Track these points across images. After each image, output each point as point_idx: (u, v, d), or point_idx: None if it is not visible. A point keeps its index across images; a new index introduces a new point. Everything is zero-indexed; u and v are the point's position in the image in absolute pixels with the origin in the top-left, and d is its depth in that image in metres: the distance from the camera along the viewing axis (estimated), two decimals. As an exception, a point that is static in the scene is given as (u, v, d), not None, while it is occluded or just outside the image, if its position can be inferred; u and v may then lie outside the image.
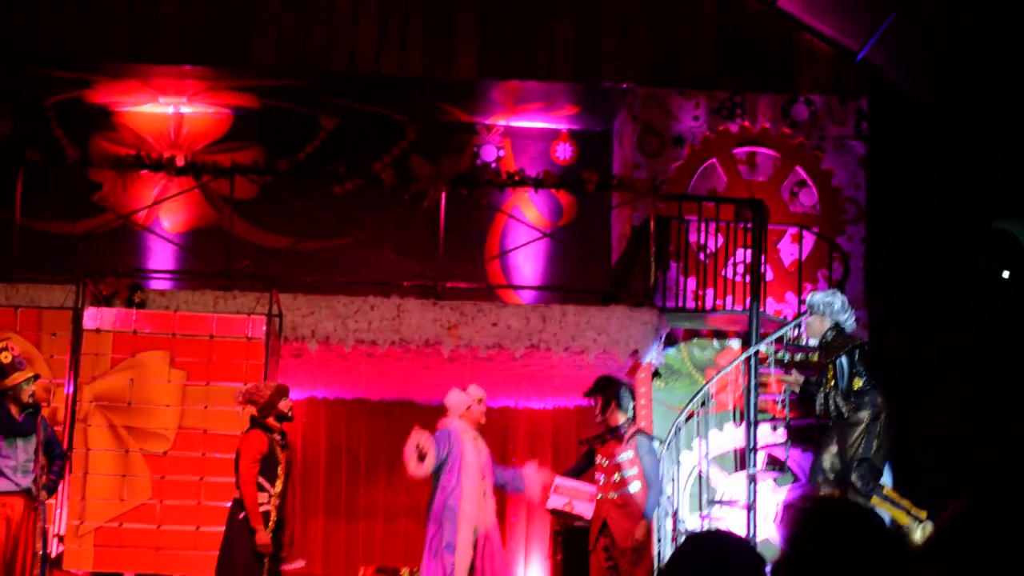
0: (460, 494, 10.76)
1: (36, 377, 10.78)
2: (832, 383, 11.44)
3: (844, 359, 11.41)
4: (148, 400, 11.72)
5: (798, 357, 12.91)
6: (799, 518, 3.01)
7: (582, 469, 11.29)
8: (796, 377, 12.10)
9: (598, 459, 10.88)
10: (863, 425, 11.26)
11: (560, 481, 10.77)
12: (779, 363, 12.67)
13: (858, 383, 11.35)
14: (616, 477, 10.82)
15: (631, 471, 10.87)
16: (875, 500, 11.09)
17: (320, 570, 13.73)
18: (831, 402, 11.40)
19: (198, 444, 11.66)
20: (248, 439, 10.43)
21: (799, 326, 12.71)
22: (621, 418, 11.01)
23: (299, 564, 11.05)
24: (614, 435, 11.01)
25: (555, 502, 10.65)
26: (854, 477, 11.18)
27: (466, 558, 10.65)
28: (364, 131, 15.40)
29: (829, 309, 11.69)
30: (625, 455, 10.91)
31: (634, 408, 11.28)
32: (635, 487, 10.93)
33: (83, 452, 11.64)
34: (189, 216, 15.25)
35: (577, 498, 10.64)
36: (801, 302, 13.64)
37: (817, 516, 2.98)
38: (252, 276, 13.25)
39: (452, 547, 10.65)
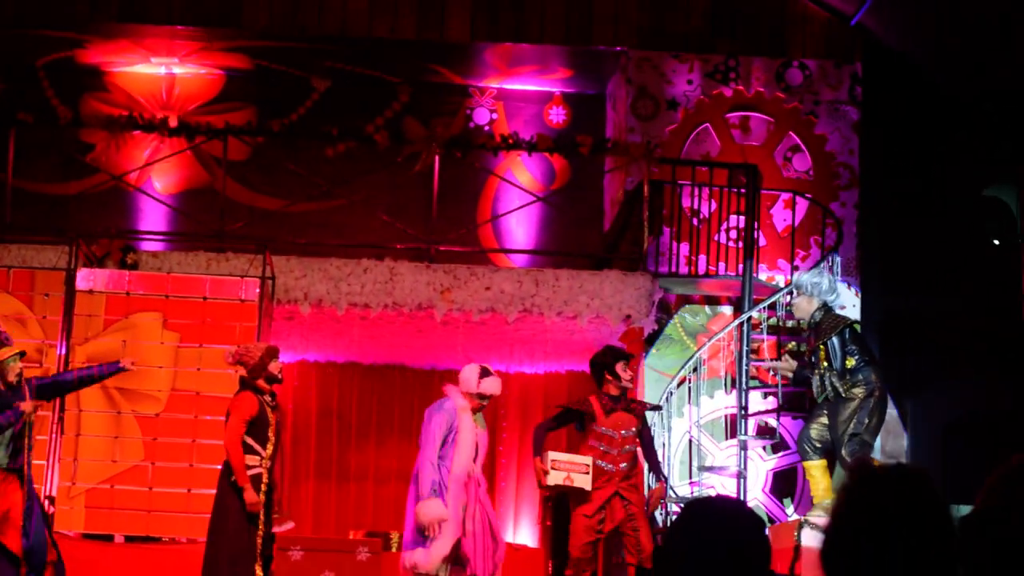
0: (449, 469, 10.75)
1: (22, 354, 10.40)
2: (826, 364, 11.46)
3: (835, 339, 11.43)
4: (141, 361, 11.69)
5: (791, 345, 12.91)
6: (849, 485, 3.00)
7: (551, 430, 11.14)
8: (788, 364, 12.11)
9: (598, 428, 10.77)
10: (856, 401, 11.29)
11: (555, 456, 10.65)
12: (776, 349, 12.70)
13: (851, 362, 11.37)
14: (629, 448, 10.77)
15: (633, 444, 10.84)
16: None
17: (310, 533, 13.75)
18: (827, 383, 11.42)
19: (190, 406, 11.67)
20: (238, 401, 10.39)
21: (791, 293, 12.71)
22: (616, 391, 10.92)
23: (288, 526, 11.04)
24: (625, 406, 10.87)
25: (555, 478, 10.51)
26: (844, 452, 11.22)
27: (449, 534, 10.64)
28: (357, 93, 15.36)
29: (817, 289, 11.71)
30: (634, 429, 10.83)
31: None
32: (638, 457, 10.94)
33: (75, 413, 11.64)
34: (181, 177, 15.21)
35: (574, 471, 10.55)
36: (794, 268, 13.66)
37: (869, 483, 2.97)
38: (245, 238, 13.22)
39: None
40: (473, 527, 10.76)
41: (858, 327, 11.97)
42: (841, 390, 11.30)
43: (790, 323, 13.09)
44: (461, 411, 10.59)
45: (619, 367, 10.79)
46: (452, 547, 10.45)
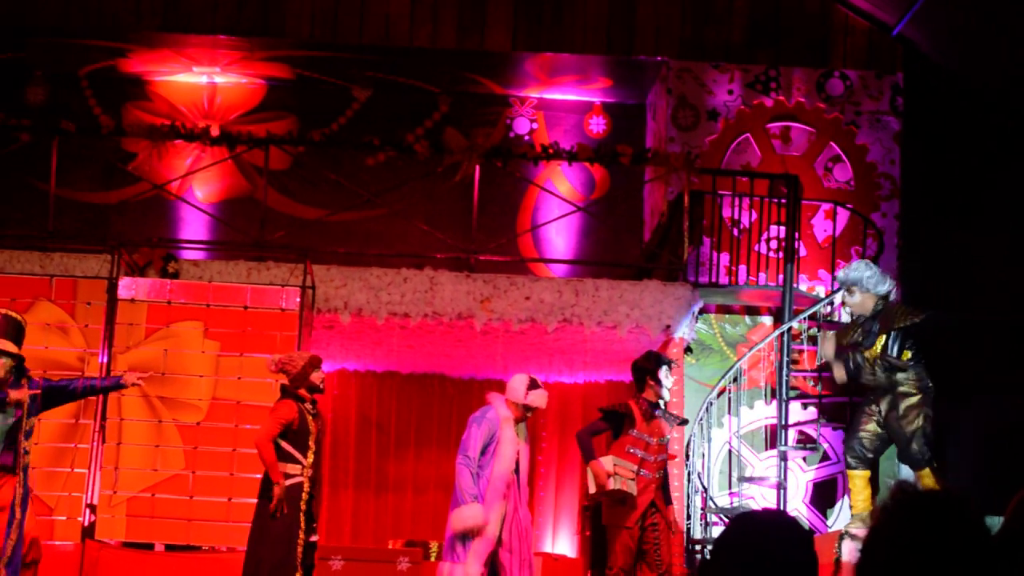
0: (489, 479, 10.73)
1: (5, 354, 9.67)
2: (879, 351, 11.27)
3: (903, 330, 11.22)
4: (182, 370, 11.76)
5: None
6: (890, 508, 2.98)
7: (596, 434, 11.10)
8: (828, 340, 11.88)
9: (636, 434, 10.74)
10: (920, 396, 11.14)
11: (616, 461, 10.57)
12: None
13: (907, 355, 11.21)
14: (662, 456, 10.76)
15: (666, 453, 10.84)
16: (927, 472, 11.06)
17: (349, 542, 13.77)
18: (877, 367, 11.21)
19: (231, 415, 11.70)
20: (277, 406, 10.43)
21: (831, 303, 12.65)
22: (654, 395, 10.89)
23: (313, 538, 11.03)
24: (664, 414, 10.86)
25: (615, 483, 10.44)
26: (915, 447, 11.08)
27: (483, 547, 10.64)
28: (397, 103, 15.40)
29: (870, 282, 11.47)
30: (668, 437, 10.84)
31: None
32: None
33: (117, 422, 11.68)
34: (222, 186, 15.28)
35: (628, 476, 10.50)
36: (834, 279, 13.59)
37: (909, 507, 2.95)
38: (285, 247, 13.25)
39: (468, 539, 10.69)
40: (510, 539, 10.73)
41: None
42: (894, 379, 11.12)
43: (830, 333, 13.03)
44: (504, 421, 10.54)
45: (661, 372, 10.76)
46: (488, 558, 10.44)
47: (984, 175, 14.11)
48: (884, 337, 11.21)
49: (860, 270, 11.51)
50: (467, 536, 10.26)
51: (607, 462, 10.39)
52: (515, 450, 10.56)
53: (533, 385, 10.57)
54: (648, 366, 10.80)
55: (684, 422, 11.57)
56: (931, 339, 11.54)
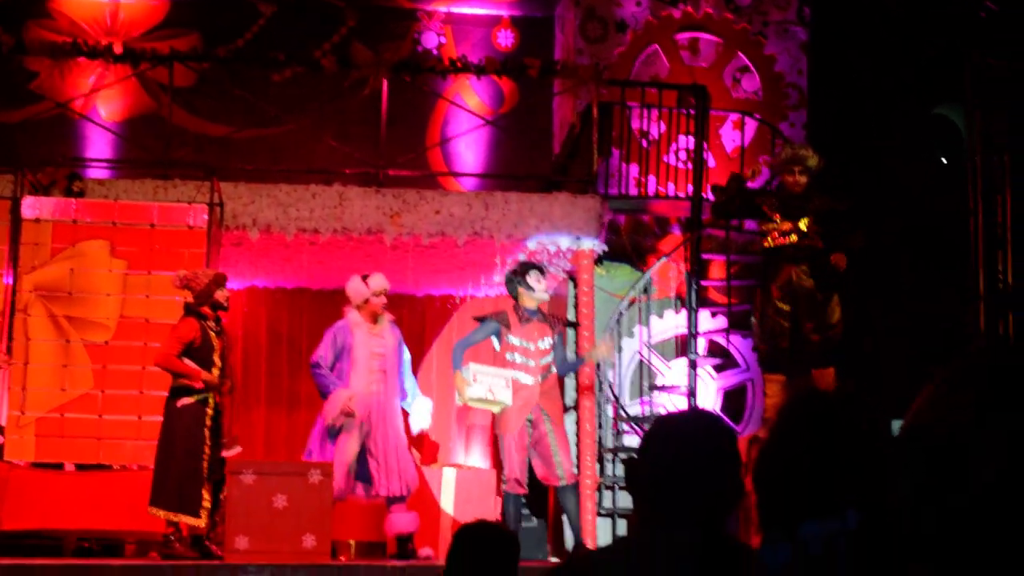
0: (348, 386, 10.93)
1: None
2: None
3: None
4: (89, 289, 11.64)
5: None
6: (784, 410, 3.00)
7: (469, 344, 11.20)
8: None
9: (514, 340, 10.83)
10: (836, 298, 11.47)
11: (478, 368, 10.69)
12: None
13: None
14: (543, 361, 10.86)
15: (551, 355, 10.96)
16: (831, 371, 11.32)
17: (262, 458, 13.76)
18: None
19: (140, 333, 11.61)
20: (178, 324, 10.49)
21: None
22: (532, 303, 10.98)
23: (236, 451, 11.07)
24: (542, 318, 10.99)
25: (477, 391, 10.55)
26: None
27: (348, 447, 10.86)
28: (303, 18, 15.24)
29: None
30: (550, 340, 10.95)
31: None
32: (554, 369, 11.03)
33: (23, 342, 11.57)
34: (127, 104, 15.08)
35: (496, 384, 10.59)
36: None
37: (801, 409, 2.97)
38: (192, 164, 13.13)
39: (335, 434, 10.90)
40: (376, 448, 10.90)
41: None
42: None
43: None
44: (355, 327, 10.93)
45: (531, 278, 10.86)
46: (355, 457, 10.76)
47: (889, 83, 14.17)
48: (811, 218, 11.44)
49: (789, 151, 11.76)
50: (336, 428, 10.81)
51: (467, 371, 10.52)
52: (371, 352, 10.85)
53: (366, 277, 10.87)
54: (517, 275, 10.92)
55: (568, 324, 11.65)
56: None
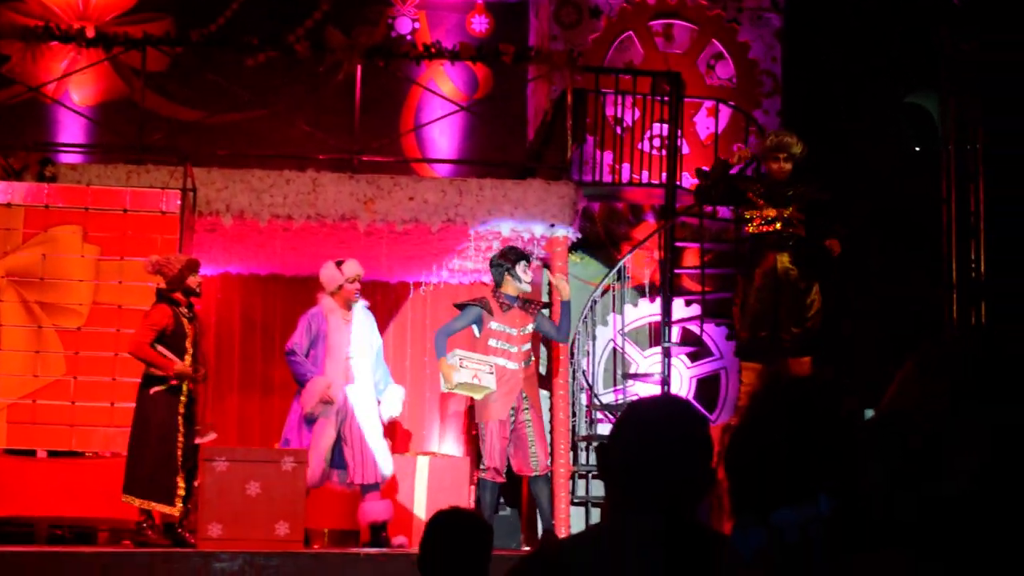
0: (323, 373, 10.92)
1: None
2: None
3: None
4: (61, 275, 11.58)
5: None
6: (757, 397, 2.99)
7: (452, 332, 11.18)
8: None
9: (496, 326, 10.83)
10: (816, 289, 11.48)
11: (464, 354, 10.67)
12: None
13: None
14: (524, 347, 10.86)
15: (530, 343, 10.98)
16: (807, 360, 11.33)
17: (235, 445, 13.72)
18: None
19: (112, 319, 11.56)
20: (150, 311, 10.45)
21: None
22: (514, 291, 10.97)
23: (211, 437, 11.05)
24: (523, 304, 10.98)
25: (463, 376, 10.53)
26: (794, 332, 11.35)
27: (325, 435, 10.86)
28: (277, 2, 15.18)
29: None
30: (531, 326, 10.95)
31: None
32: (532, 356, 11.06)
33: (-6, 328, 11.52)
34: (99, 89, 15.00)
35: (481, 370, 10.58)
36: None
37: (773, 396, 2.96)
38: (165, 149, 13.08)
39: (312, 422, 10.90)
40: (351, 435, 10.90)
41: None
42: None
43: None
44: (328, 313, 10.92)
45: (519, 267, 10.84)
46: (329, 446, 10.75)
47: (860, 68, 14.19)
48: (794, 207, 11.44)
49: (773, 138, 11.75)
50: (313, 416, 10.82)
51: (453, 357, 10.50)
52: (345, 338, 10.85)
53: (339, 262, 10.90)
54: (507, 261, 10.88)
55: (545, 306, 11.63)
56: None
